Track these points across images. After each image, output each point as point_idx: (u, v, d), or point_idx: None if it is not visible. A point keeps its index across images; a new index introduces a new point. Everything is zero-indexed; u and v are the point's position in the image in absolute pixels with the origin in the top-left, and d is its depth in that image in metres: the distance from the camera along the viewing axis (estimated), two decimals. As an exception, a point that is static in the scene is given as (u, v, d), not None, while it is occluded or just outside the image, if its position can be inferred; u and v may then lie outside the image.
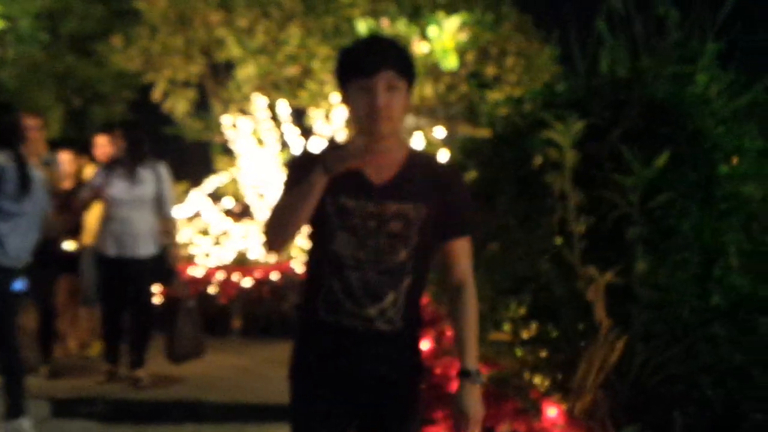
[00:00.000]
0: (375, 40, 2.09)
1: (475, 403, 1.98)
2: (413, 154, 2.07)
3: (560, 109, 3.41)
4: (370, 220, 1.96)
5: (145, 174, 5.19)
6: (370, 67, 1.90)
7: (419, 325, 2.14)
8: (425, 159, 2.11)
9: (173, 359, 5.27)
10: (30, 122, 4.76)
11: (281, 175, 9.51)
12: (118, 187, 5.12)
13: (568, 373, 3.20)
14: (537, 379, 3.47)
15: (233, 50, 8.90)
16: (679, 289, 3.19)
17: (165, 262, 5.40)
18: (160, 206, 5.28)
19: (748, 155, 3.53)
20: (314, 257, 2.08)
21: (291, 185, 2.01)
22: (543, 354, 3.51)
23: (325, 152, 1.96)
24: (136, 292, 5.23)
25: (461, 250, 2.06)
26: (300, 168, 2.02)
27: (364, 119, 1.93)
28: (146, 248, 5.20)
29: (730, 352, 3.10)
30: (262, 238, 2.02)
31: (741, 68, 3.73)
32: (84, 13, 11.13)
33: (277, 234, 1.98)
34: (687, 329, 3.12)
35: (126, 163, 5.16)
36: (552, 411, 2.87)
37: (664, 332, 3.10)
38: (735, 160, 3.52)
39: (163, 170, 5.33)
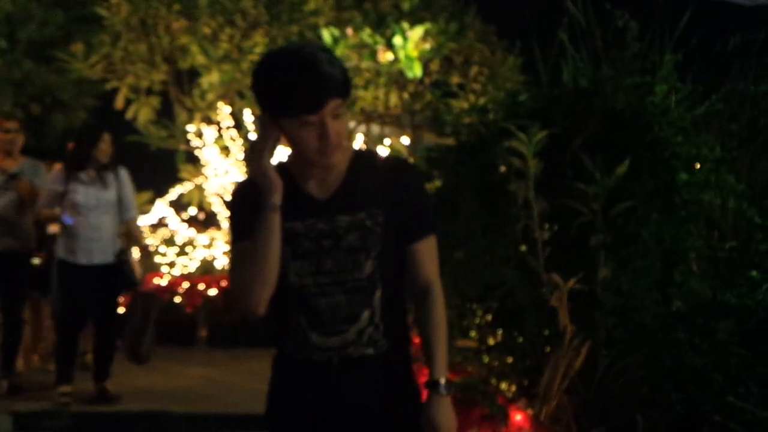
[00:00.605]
0: (307, 65, 1.68)
1: (445, 415, 1.80)
2: (357, 157, 1.86)
3: (523, 118, 3.47)
4: (323, 239, 1.78)
5: (109, 178, 5.16)
6: (315, 103, 1.67)
7: (407, 344, 1.93)
8: (370, 159, 1.89)
9: (138, 361, 5.17)
10: None
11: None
12: (85, 193, 5.05)
13: (534, 379, 3.25)
14: (504, 385, 3.51)
15: (197, 58, 8.85)
16: (641, 295, 3.27)
17: (127, 268, 5.34)
18: (123, 210, 5.24)
19: (707, 163, 3.63)
20: (286, 291, 1.81)
21: (242, 231, 1.80)
22: (509, 360, 3.55)
23: (264, 184, 1.76)
24: (103, 300, 5.16)
25: (425, 252, 1.85)
26: (243, 206, 1.84)
27: (312, 153, 1.73)
28: (112, 253, 5.15)
29: (691, 356, 3.18)
30: (241, 302, 1.78)
31: (698, 79, 3.84)
32: (43, 19, 10.96)
33: (260, 289, 1.75)
34: (649, 334, 3.19)
35: (91, 168, 5.11)
36: (518, 416, 2.92)
37: (626, 337, 3.17)
38: (697, 167, 3.61)
39: (124, 173, 5.30)
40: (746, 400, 2.91)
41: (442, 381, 1.81)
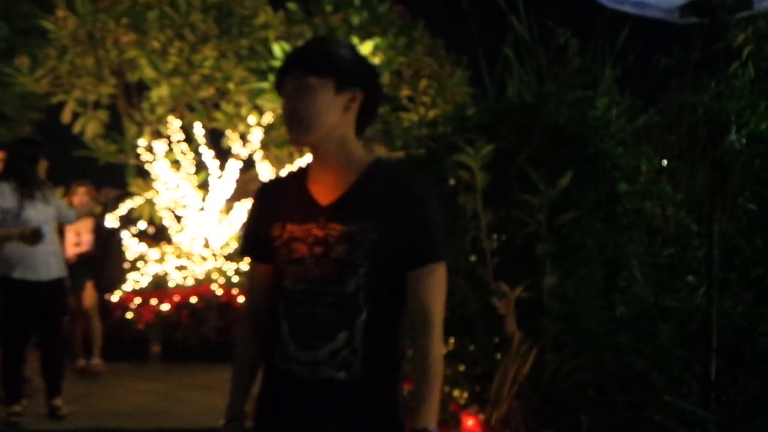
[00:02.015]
0: (299, 46, 1.80)
1: None
2: (375, 166, 1.75)
3: (471, 132, 3.58)
4: (316, 245, 1.69)
5: (48, 192, 5.15)
6: (280, 72, 1.72)
7: (394, 373, 1.75)
8: (388, 171, 1.75)
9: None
10: None
11: (196, 197, 9.47)
12: (32, 208, 5.01)
13: (486, 385, 3.34)
14: (456, 392, 3.60)
15: (146, 72, 8.79)
16: (586, 301, 3.39)
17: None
18: (63, 217, 5.33)
19: (647, 174, 3.79)
20: (276, 299, 1.80)
21: (247, 245, 1.88)
22: (461, 368, 3.64)
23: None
24: (52, 315, 5.10)
25: (423, 281, 1.67)
26: (251, 218, 1.89)
27: (289, 135, 1.73)
28: (58, 269, 5.10)
29: (633, 359, 3.31)
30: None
31: (637, 92, 4.01)
32: (-15, 31, 10.77)
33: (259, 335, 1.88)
34: (594, 339, 3.32)
35: (35, 183, 5.08)
36: (470, 421, 3.00)
37: (572, 342, 3.29)
38: (642, 177, 3.74)
39: (50, 186, 5.32)
40: (687, 399, 3.06)
41: (428, 427, 1.63)
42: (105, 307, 7.08)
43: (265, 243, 1.79)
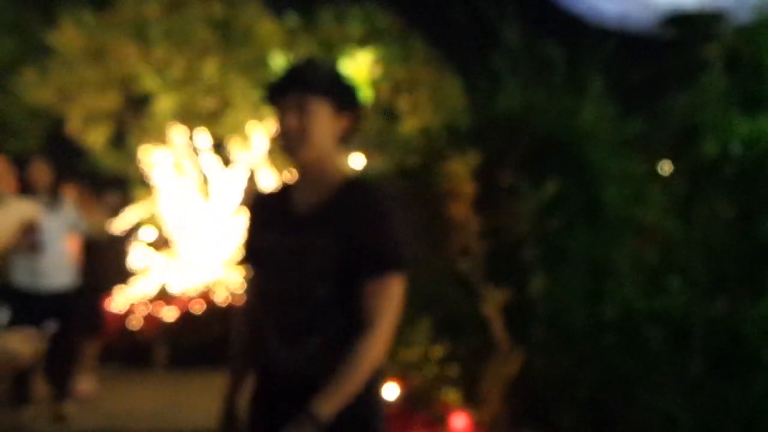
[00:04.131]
0: (297, 64, 1.87)
1: None
2: (350, 184, 1.84)
3: (462, 141, 3.70)
4: (290, 254, 1.79)
5: (60, 203, 5.30)
6: (277, 91, 1.80)
7: (373, 375, 1.78)
8: (358, 188, 1.83)
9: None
10: None
11: (201, 207, 9.61)
12: (51, 219, 5.16)
13: (475, 386, 3.45)
14: (448, 394, 3.70)
15: (150, 83, 8.93)
16: (573, 304, 3.50)
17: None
18: (78, 228, 5.42)
19: (633, 180, 3.88)
20: (256, 297, 1.94)
21: (245, 252, 2.01)
22: (453, 370, 3.74)
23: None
24: (64, 321, 5.23)
25: (371, 291, 1.71)
26: (249, 226, 2.01)
27: (281, 146, 1.82)
28: (65, 280, 5.23)
29: (620, 360, 3.41)
30: None
31: (623, 101, 4.11)
32: (-8, 45, 10.95)
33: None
34: (580, 341, 3.42)
35: (49, 194, 5.23)
36: (459, 421, 3.11)
37: (558, 344, 3.39)
38: (629, 183, 3.83)
39: (67, 196, 5.49)
40: (672, 400, 3.15)
41: (314, 411, 1.65)
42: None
43: (257, 251, 1.92)
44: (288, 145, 1.80)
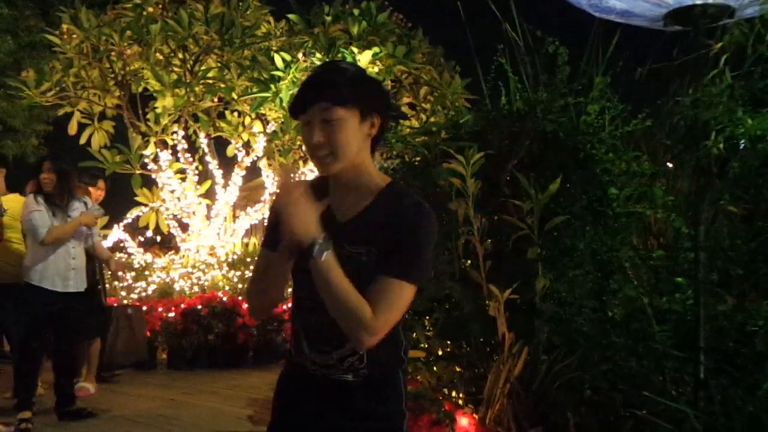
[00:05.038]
0: (320, 69, 1.82)
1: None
2: (388, 192, 1.82)
3: (464, 140, 3.68)
4: None
5: (80, 207, 5.31)
6: (302, 102, 1.75)
7: (396, 370, 1.86)
8: (397, 197, 1.81)
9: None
10: None
11: (202, 206, 9.59)
12: (62, 223, 5.18)
13: (480, 386, 3.43)
14: (453, 393, 3.69)
15: (150, 83, 8.92)
16: (578, 303, 3.48)
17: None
18: (89, 237, 5.45)
19: (637, 178, 3.85)
20: (292, 298, 1.94)
21: (267, 238, 1.91)
22: (458, 369, 3.73)
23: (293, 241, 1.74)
24: (65, 327, 5.24)
25: (381, 287, 1.73)
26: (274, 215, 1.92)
27: (311, 159, 1.78)
28: (78, 284, 5.25)
29: (626, 359, 3.38)
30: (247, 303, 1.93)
31: (628, 98, 4.09)
32: (-9, 45, 10.96)
33: (253, 301, 1.93)
34: (586, 340, 3.39)
35: (62, 198, 5.23)
36: (464, 420, 3.09)
37: (564, 343, 3.37)
38: (634, 181, 3.80)
39: (89, 202, 5.51)
40: (678, 399, 3.13)
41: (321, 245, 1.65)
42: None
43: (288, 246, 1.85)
44: (317, 159, 1.76)
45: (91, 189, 6.55)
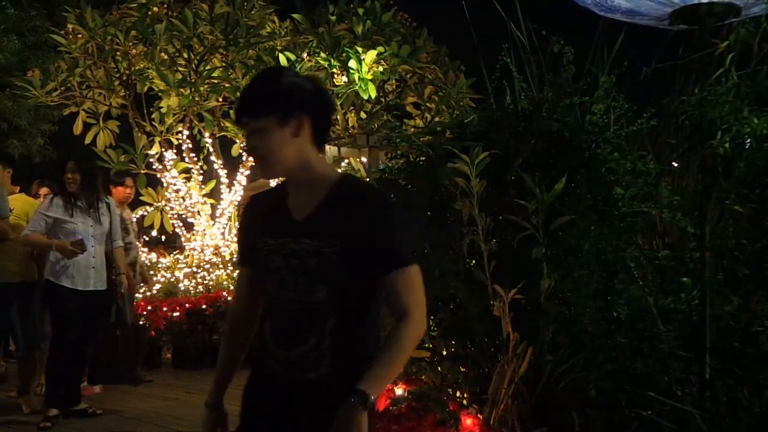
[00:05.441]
0: (244, 89, 1.96)
1: (347, 423, 1.70)
2: (341, 184, 1.92)
3: (469, 139, 3.67)
4: (291, 258, 1.87)
5: (103, 208, 5.34)
6: (235, 117, 1.95)
7: (361, 363, 1.83)
8: (350, 188, 1.92)
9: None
10: None
11: (206, 205, 9.59)
12: (80, 221, 5.20)
13: (485, 386, 3.42)
14: (458, 393, 3.68)
15: (155, 82, 8.93)
16: (583, 303, 3.46)
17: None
18: (111, 238, 5.52)
19: (643, 177, 3.84)
20: (249, 299, 2.08)
21: (240, 256, 2.14)
22: (462, 369, 3.72)
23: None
24: (93, 324, 5.29)
25: (396, 283, 1.82)
26: (243, 228, 2.13)
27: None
28: (97, 282, 5.29)
29: (631, 359, 3.37)
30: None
31: (633, 97, 4.07)
32: (-3, 45, 10.96)
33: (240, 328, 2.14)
34: (591, 340, 3.38)
35: (87, 198, 5.26)
36: (469, 421, 3.09)
37: (569, 343, 3.36)
38: (640, 180, 3.78)
39: (112, 202, 5.59)
40: (684, 400, 3.11)
41: (362, 392, 1.71)
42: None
43: (253, 252, 1.99)
44: (257, 166, 1.92)
45: (119, 188, 6.61)
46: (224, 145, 10.13)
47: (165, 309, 7.69)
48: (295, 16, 9.05)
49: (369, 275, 1.83)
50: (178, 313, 7.61)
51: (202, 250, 9.33)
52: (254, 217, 2.06)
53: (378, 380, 1.77)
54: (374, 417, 1.88)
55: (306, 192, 1.91)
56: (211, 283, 8.65)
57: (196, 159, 9.62)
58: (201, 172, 9.56)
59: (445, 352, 3.74)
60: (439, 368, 3.75)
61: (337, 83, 8.15)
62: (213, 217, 9.70)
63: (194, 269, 8.91)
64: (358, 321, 1.88)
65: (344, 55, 7.76)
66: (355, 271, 1.82)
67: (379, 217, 1.84)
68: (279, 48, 8.67)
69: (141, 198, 9.66)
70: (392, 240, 1.84)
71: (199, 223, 9.53)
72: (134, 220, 6.81)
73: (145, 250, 9.55)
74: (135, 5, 9.20)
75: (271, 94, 1.87)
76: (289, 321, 1.88)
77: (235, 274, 8.76)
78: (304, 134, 1.88)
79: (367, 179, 4.82)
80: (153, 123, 9.40)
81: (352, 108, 8.87)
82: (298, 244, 1.86)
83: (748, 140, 3.10)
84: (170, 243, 10.75)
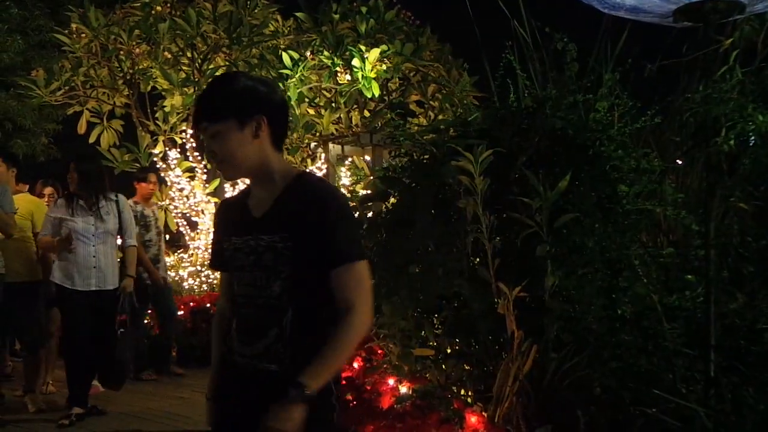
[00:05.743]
0: (201, 94, 2.02)
1: (279, 414, 1.74)
2: (297, 182, 1.98)
3: (473, 137, 3.66)
4: (251, 254, 1.95)
5: (108, 207, 5.32)
6: (193, 122, 2.03)
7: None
8: (305, 185, 1.97)
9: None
10: None
11: (210, 204, 9.60)
12: (81, 220, 5.20)
13: (489, 384, 3.42)
14: (462, 391, 3.68)
15: (159, 81, 8.94)
16: (587, 301, 3.46)
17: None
18: (122, 237, 5.50)
19: (647, 175, 3.83)
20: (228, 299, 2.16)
21: (213, 254, 2.22)
22: (466, 367, 3.72)
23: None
24: (104, 324, 5.27)
25: (342, 277, 1.88)
26: (217, 229, 2.19)
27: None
28: (100, 282, 5.27)
29: (636, 357, 3.37)
30: None
31: (637, 94, 4.06)
32: (1, 45, 10.99)
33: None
34: (596, 338, 3.38)
35: (87, 197, 5.25)
36: (473, 419, 3.09)
37: (573, 341, 3.35)
38: (644, 177, 3.78)
39: (122, 200, 5.52)
40: (689, 397, 3.11)
41: (303, 384, 1.76)
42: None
43: (223, 255, 2.09)
44: (218, 168, 1.99)
45: (143, 184, 6.66)
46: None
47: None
48: (298, 14, 9.04)
49: (320, 269, 1.88)
50: (182, 312, 7.62)
51: (206, 249, 9.33)
52: (222, 219, 2.16)
53: (318, 373, 1.80)
54: (333, 409, 1.93)
55: (265, 190, 1.99)
56: (215, 281, 8.66)
57: (199, 158, 9.62)
58: (205, 170, 9.56)
59: (449, 350, 3.74)
60: (443, 366, 3.75)
61: (340, 81, 8.16)
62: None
63: (198, 268, 8.91)
64: (315, 315, 1.92)
65: (347, 53, 7.76)
66: (306, 265, 1.89)
67: (329, 213, 1.89)
68: (282, 47, 8.67)
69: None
70: (341, 235, 1.89)
71: (203, 222, 9.54)
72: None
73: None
74: (138, 4, 9.22)
75: (229, 97, 1.93)
76: (251, 316, 1.96)
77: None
78: (263, 135, 1.94)
79: (371, 178, 4.82)
80: (157, 122, 9.41)
81: (355, 106, 8.88)
82: (255, 240, 1.94)
83: (753, 137, 3.09)
84: (174, 242, 10.75)
